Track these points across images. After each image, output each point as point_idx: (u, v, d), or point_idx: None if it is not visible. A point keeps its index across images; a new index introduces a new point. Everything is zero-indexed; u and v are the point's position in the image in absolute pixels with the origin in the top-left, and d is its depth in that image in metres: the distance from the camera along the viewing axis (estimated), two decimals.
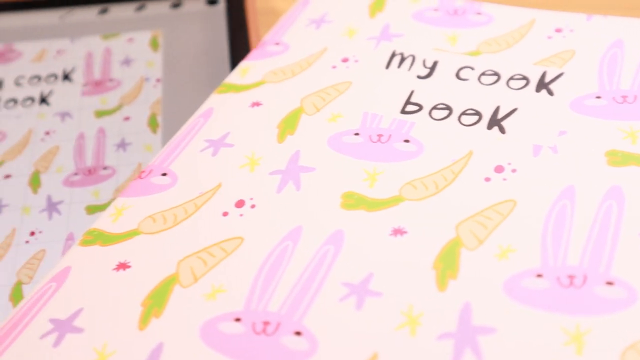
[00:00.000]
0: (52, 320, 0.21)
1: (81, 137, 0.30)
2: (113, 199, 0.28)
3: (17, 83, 0.32)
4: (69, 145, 0.29)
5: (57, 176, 0.28)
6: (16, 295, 0.25)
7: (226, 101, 0.27)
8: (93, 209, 0.27)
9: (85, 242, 0.23)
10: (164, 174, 0.25)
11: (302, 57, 0.29)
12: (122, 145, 0.29)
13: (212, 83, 0.32)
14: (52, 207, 0.27)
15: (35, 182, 0.28)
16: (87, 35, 0.34)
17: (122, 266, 0.22)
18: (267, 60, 0.29)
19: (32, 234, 0.26)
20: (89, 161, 0.29)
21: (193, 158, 0.25)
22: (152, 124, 0.30)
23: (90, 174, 0.28)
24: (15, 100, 0.31)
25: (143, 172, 0.25)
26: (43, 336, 0.20)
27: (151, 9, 0.35)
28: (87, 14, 0.35)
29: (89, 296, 0.21)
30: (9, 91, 0.32)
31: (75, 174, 0.28)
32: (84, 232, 0.24)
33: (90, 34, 0.34)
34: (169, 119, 0.30)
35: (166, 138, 0.30)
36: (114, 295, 0.21)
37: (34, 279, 0.25)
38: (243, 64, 0.29)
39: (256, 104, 0.27)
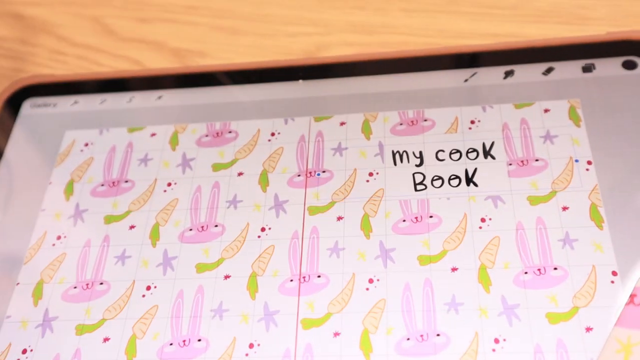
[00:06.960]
0: None
1: (519, 227, 0.29)
2: None
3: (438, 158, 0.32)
4: (509, 236, 0.29)
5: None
6: None
7: None
8: None
9: None
10: None
11: None
12: (566, 241, 0.28)
13: None
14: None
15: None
16: (499, 103, 0.33)
17: None
18: None
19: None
20: None
21: None
22: (595, 216, 0.29)
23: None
24: (441, 178, 0.31)
25: None
26: None
27: (559, 71, 0.34)
28: (491, 78, 0.34)
29: None
30: (434, 166, 0.32)
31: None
32: None
33: (497, 101, 0.33)
34: (614, 210, 0.29)
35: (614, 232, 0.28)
36: None
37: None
38: None
39: None
